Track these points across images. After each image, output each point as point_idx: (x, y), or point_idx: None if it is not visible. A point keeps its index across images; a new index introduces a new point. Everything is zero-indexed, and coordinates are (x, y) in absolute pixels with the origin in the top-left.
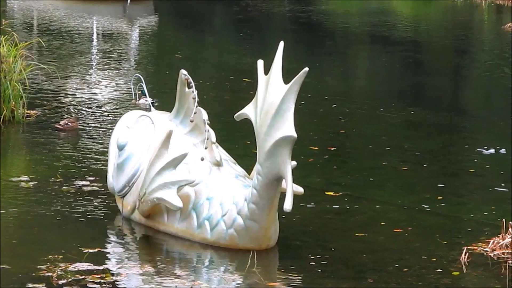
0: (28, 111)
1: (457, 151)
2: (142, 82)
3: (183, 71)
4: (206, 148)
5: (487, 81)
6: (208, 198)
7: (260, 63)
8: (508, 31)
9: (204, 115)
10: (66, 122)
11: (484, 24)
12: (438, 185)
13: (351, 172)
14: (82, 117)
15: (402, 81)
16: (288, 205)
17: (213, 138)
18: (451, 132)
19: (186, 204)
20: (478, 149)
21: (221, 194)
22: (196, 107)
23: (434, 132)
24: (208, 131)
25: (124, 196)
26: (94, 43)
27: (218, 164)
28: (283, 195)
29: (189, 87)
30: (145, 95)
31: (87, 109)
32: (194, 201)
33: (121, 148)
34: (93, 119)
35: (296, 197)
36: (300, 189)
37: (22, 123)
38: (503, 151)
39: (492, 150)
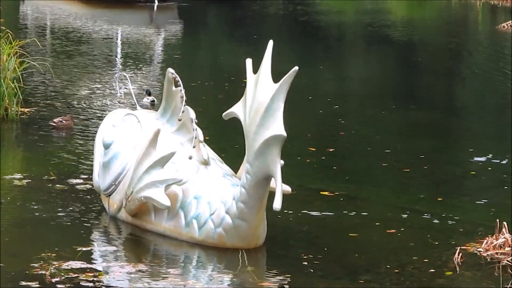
0: (22, 109)
1: (455, 152)
2: (128, 81)
3: (170, 70)
4: (194, 147)
5: (485, 81)
6: (196, 197)
7: (249, 62)
8: (502, 30)
9: (192, 113)
10: (60, 119)
11: (479, 24)
12: (434, 186)
13: (347, 172)
14: (76, 116)
15: (401, 82)
16: (277, 204)
17: (201, 137)
18: (449, 133)
19: (173, 203)
20: (475, 151)
21: (209, 193)
22: (184, 105)
23: (432, 133)
24: (196, 129)
25: (110, 195)
26: (106, 46)
27: (206, 163)
28: (271, 194)
29: (177, 86)
30: (149, 93)
31: (82, 108)
32: (181, 200)
33: (107, 146)
34: (88, 117)
35: (290, 196)
36: (288, 188)
37: (16, 121)
38: (500, 152)
39: (489, 152)
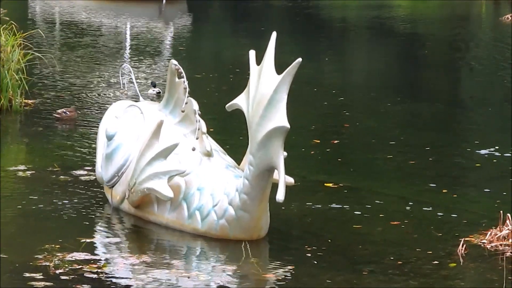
0: (26, 101)
1: (459, 144)
2: (131, 72)
3: (173, 61)
4: (197, 139)
5: (489, 73)
6: (199, 188)
7: (252, 54)
8: (506, 22)
9: (195, 105)
10: (64, 110)
11: (482, 16)
12: (438, 178)
13: (351, 164)
14: (80, 107)
15: (405, 75)
16: (280, 195)
17: (204, 129)
18: (453, 126)
19: (176, 195)
20: (480, 143)
21: (212, 184)
22: (187, 97)
23: (437, 126)
24: (199, 121)
25: (113, 186)
26: (113, 38)
27: (209, 154)
28: (275, 186)
29: (180, 77)
30: (154, 85)
31: (86, 99)
32: (184, 192)
33: (110, 138)
34: (92, 109)
35: (294, 187)
36: (290, 180)
37: (20, 112)
38: (504, 145)
39: (494, 144)
